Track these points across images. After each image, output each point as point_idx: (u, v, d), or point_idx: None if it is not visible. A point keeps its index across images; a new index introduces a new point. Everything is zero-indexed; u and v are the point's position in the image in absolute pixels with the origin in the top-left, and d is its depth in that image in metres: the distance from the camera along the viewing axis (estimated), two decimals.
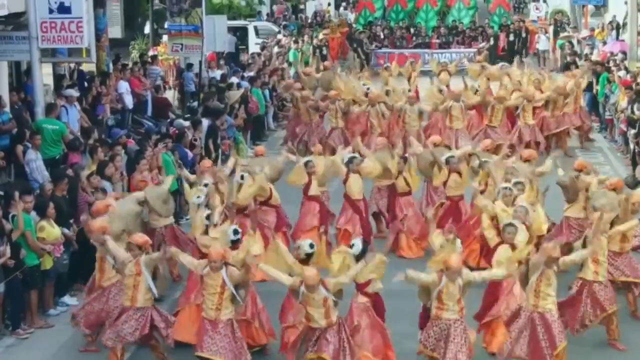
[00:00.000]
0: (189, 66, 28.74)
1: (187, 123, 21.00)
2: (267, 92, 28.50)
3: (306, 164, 17.14)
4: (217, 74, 29.43)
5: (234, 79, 27.64)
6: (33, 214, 14.35)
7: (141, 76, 26.69)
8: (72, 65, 24.56)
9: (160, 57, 32.81)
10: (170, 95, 30.59)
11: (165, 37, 33.10)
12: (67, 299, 15.05)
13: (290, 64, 34.93)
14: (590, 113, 29.09)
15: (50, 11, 18.45)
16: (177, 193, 18.87)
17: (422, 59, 40.62)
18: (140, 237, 12.36)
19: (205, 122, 22.03)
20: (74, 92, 20.92)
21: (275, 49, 36.15)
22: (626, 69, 28.53)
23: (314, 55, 38.38)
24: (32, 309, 14.22)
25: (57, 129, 18.66)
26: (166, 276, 13.02)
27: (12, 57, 19.55)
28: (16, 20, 19.12)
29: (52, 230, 14.42)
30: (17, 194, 14.24)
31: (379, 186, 17.90)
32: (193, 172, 19.73)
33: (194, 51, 28.14)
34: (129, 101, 24.74)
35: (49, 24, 18.50)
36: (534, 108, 24.75)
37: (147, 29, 37.18)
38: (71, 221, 15.25)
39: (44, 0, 18.42)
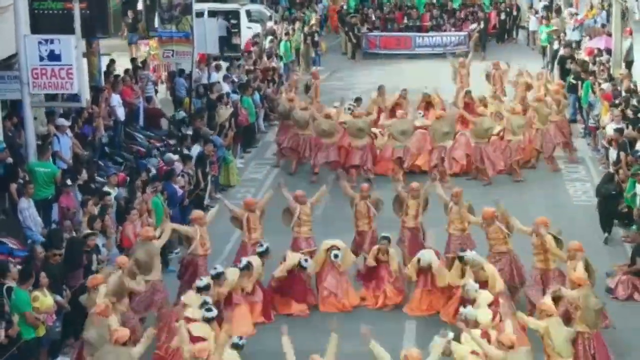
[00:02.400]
0: (181, 72, 29.04)
1: (176, 157, 21.35)
2: (257, 96, 28.84)
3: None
4: (206, 76, 29.84)
5: (225, 87, 27.96)
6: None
7: (133, 85, 27.10)
8: None
9: (152, 52, 33.16)
10: (163, 90, 31.07)
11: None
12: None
13: (281, 58, 35.19)
14: (574, 115, 29.60)
15: (41, 59, 18.82)
16: None
17: (412, 42, 41.08)
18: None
19: (195, 150, 22.41)
20: (65, 122, 21.33)
21: (268, 41, 36.33)
22: (610, 75, 28.86)
23: (304, 43, 38.62)
24: None
25: (49, 172, 19.07)
26: None
27: (4, 95, 19.92)
28: (8, 62, 19.43)
29: (45, 300, 14.88)
30: (11, 265, 14.82)
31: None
32: (182, 209, 20.36)
33: (185, 57, 28.47)
34: (121, 114, 25.17)
35: (39, 71, 18.90)
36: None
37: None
38: (64, 286, 15.76)
39: (34, 48, 18.76)
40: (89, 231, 16.71)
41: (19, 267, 15.38)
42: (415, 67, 38.55)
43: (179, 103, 28.36)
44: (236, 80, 29.22)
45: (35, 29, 19.81)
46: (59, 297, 15.37)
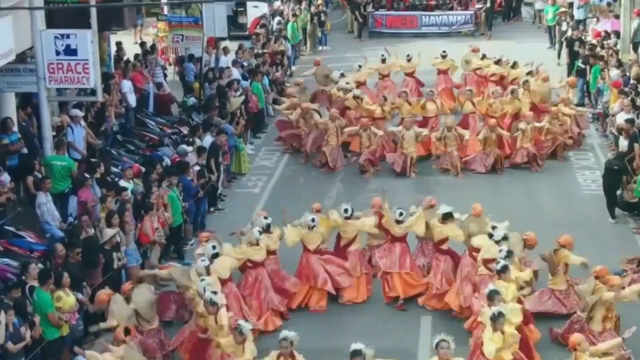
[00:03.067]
0: (190, 57, 29.04)
1: (190, 148, 21.43)
2: (266, 80, 28.90)
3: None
4: (214, 60, 29.87)
5: (235, 72, 28.00)
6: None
7: (143, 70, 27.15)
8: None
9: (159, 34, 33.16)
10: (170, 73, 31.08)
11: None
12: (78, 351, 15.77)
13: (288, 40, 35.18)
14: (582, 99, 29.66)
15: (57, 53, 18.85)
16: (180, 227, 19.59)
17: (419, 21, 41.04)
18: None
19: (207, 140, 22.50)
20: (79, 112, 21.37)
21: (276, 22, 36.30)
22: (619, 61, 28.88)
23: (311, 23, 38.60)
24: None
25: (66, 165, 19.16)
26: None
27: (20, 88, 19.89)
28: (22, 56, 19.46)
29: (67, 299, 15.08)
30: (32, 266, 15.01)
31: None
32: (196, 201, 20.47)
33: (195, 42, 28.45)
34: (132, 100, 25.23)
35: (55, 65, 18.94)
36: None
37: None
38: (84, 284, 15.94)
39: (50, 43, 18.79)
40: (108, 230, 16.83)
41: (40, 265, 15.59)
42: (422, 45, 38.50)
43: (188, 88, 28.36)
44: (245, 64, 29.21)
45: (50, 23, 19.74)
46: (80, 295, 15.56)
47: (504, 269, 15.20)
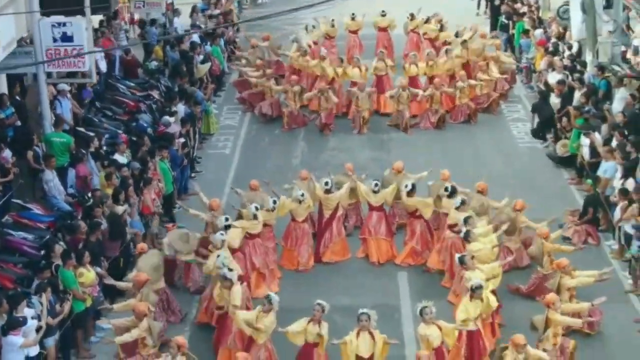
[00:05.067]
0: (152, 22, 29.08)
1: (172, 119, 21.83)
2: (221, 42, 29.18)
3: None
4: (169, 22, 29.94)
5: (194, 36, 28.19)
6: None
7: (110, 36, 27.23)
8: None
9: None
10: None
11: None
12: (102, 322, 16.39)
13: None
14: (505, 50, 30.48)
15: (54, 40, 19.05)
16: (171, 195, 20.14)
17: None
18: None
19: (180, 109, 22.88)
20: (66, 87, 21.62)
21: None
22: (539, 18, 29.79)
23: None
24: (79, 343, 15.65)
25: (64, 141, 19.49)
26: None
27: (17, 70, 20.06)
28: (19, 42, 19.58)
29: (89, 275, 15.67)
30: (57, 246, 15.55)
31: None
32: (181, 169, 20.96)
33: (155, 7, 28.56)
34: (103, 66, 25.37)
35: (53, 51, 19.13)
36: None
37: None
38: (102, 258, 16.53)
39: (48, 31, 18.96)
40: (119, 207, 17.36)
41: (62, 244, 16.09)
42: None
43: (149, 53, 28.37)
44: (203, 27, 29.41)
45: (42, 5, 19.81)
46: (99, 269, 16.14)
47: (467, 235, 16.31)
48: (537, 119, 23.96)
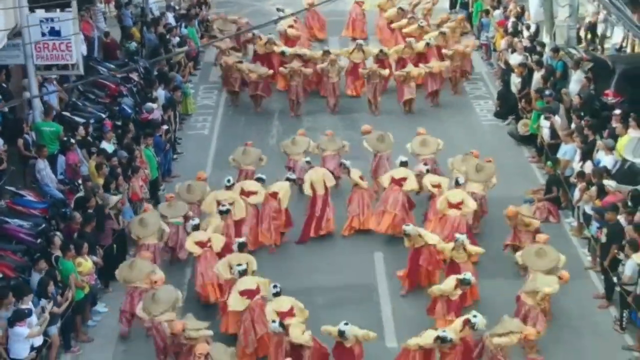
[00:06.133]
0: (127, 4, 29.11)
1: (155, 105, 22.09)
2: (196, 23, 29.31)
3: None
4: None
5: (169, 17, 28.28)
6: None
7: (89, 19, 27.23)
8: None
9: None
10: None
11: None
12: (99, 307, 16.89)
13: None
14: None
15: (43, 34, 19.22)
16: (157, 180, 20.50)
17: None
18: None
19: (160, 94, 23.12)
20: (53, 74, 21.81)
21: None
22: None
23: None
24: (78, 327, 16.11)
25: (54, 130, 19.69)
26: None
27: (5, 61, 20.19)
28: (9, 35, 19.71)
29: (86, 264, 16.10)
30: (56, 238, 15.93)
31: None
32: (165, 154, 21.29)
33: None
34: (83, 49, 25.26)
35: (42, 45, 19.31)
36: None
37: None
38: (97, 247, 16.93)
39: (36, 26, 19.10)
40: (113, 197, 17.71)
41: (58, 234, 16.44)
42: None
43: (127, 34, 28.41)
44: (177, 8, 29.52)
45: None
46: (95, 258, 16.54)
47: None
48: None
